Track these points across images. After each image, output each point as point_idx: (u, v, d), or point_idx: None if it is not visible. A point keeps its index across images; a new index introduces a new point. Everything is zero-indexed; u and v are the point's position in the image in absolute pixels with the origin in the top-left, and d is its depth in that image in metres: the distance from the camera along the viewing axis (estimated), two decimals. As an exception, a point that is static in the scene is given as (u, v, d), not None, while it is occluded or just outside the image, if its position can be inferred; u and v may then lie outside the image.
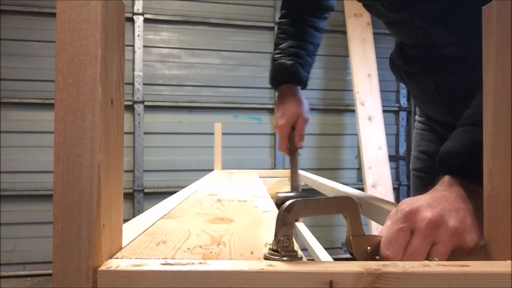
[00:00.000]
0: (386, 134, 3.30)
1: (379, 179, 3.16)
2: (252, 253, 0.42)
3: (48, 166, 3.03)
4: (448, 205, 0.43)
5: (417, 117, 1.03)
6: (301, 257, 0.38)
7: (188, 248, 0.43)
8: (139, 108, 3.24)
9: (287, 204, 0.38)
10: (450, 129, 0.57)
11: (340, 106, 3.61)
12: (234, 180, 1.33)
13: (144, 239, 0.47)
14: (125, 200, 3.08)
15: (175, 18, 3.34)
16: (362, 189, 3.02)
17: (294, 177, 1.19)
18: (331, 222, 3.48)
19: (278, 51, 1.08)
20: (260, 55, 3.46)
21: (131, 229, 0.52)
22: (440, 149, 0.52)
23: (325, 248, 1.55)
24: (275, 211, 0.70)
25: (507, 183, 0.39)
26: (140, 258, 0.38)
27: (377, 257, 0.42)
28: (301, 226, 1.75)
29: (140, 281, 0.33)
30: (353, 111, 3.38)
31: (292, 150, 1.13)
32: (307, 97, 1.10)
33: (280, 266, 0.34)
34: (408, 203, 0.43)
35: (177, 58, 3.37)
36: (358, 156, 3.51)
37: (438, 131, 0.94)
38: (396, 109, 3.74)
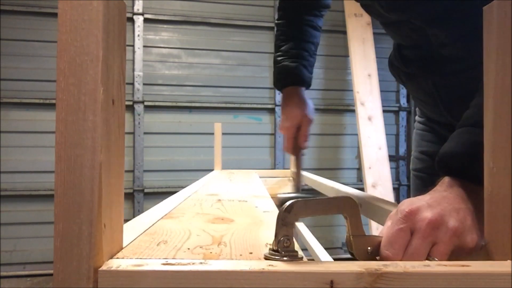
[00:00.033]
0: (386, 134, 3.30)
1: (379, 179, 3.16)
2: (252, 253, 0.42)
3: (48, 166, 3.03)
4: (448, 206, 0.43)
5: (417, 118, 1.04)
6: (302, 257, 0.38)
7: (189, 248, 0.43)
8: (139, 108, 3.24)
9: (287, 205, 0.38)
10: (450, 129, 0.57)
11: (340, 106, 3.61)
12: (234, 180, 1.33)
13: (144, 239, 0.47)
14: (125, 200, 3.07)
15: (175, 18, 3.34)
16: (362, 189, 3.02)
17: (297, 178, 1.20)
18: (331, 222, 3.49)
19: (280, 53, 1.09)
20: (260, 55, 3.46)
21: (131, 229, 0.52)
22: (440, 150, 0.52)
23: (325, 248, 1.55)
24: (275, 211, 0.70)
25: (507, 183, 0.39)
26: (140, 258, 0.38)
27: (377, 258, 0.42)
28: (301, 226, 1.75)
29: (141, 281, 0.33)
30: (353, 111, 3.38)
31: (297, 151, 1.15)
32: (308, 96, 1.11)
33: (280, 266, 0.35)
34: (408, 203, 0.43)
35: (177, 58, 3.37)
36: (358, 156, 3.51)
37: (438, 131, 0.94)
38: (396, 109, 3.74)
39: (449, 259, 0.41)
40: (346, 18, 3.40)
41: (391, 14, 0.78)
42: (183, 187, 1.08)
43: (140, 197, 3.23)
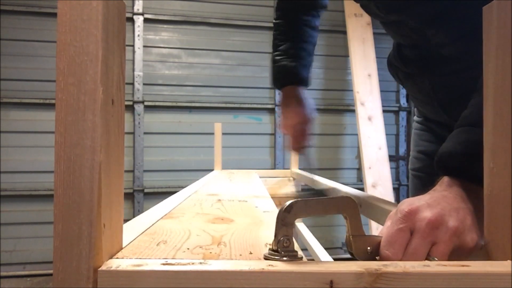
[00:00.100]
0: (386, 134, 3.30)
1: (379, 179, 3.16)
2: (252, 253, 0.42)
3: (48, 166, 3.03)
4: (447, 205, 0.43)
5: (415, 118, 1.04)
6: (301, 257, 0.38)
7: (188, 248, 0.43)
8: (139, 108, 3.24)
9: (286, 205, 0.38)
10: (448, 129, 0.57)
11: (340, 106, 3.61)
12: (234, 180, 1.33)
13: (144, 239, 0.47)
14: (125, 200, 3.07)
15: (175, 18, 3.34)
16: (362, 189, 3.02)
17: (308, 156, 1.19)
18: (331, 222, 3.49)
19: (278, 52, 1.10)
20: (260, 55, 3.46)
21: (131, 229, 0.52)
22: (439, 150, 0.52)
23: (325, 248, 1.56)
24: (275, 211, 0.70)
25: (507, 183, 0.39)
26: (140, 258, 0.38)
27: (377, 257, 0.42)
28: (301, 226, 1.75)
29: (141, 281, 0.33)
30: (353, 111, 3.38)
31: (300, 149, 1.14)
32: (308, 95, 1.11)
33: (280, 266, 0.34)
34: (408, 203, 0.43)
35: (177, 58, 3.37)
36: (358, 156, 3.51)
37: (436, 131, 0.94)
38: (396, 109, 3.74)
39: (449, 259, 0.41)
40: (346, 18, 3.40)
41: (389, 14, 0.78)
42: (183, 187, 1.08)
43: (140, 197, 3.23)
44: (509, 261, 0.37)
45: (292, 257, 0.37)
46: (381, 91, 3.33)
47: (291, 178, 1.76)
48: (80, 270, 0.33)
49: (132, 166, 3.23)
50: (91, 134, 0.34)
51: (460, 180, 0.48)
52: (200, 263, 0.34)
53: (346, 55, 3.53)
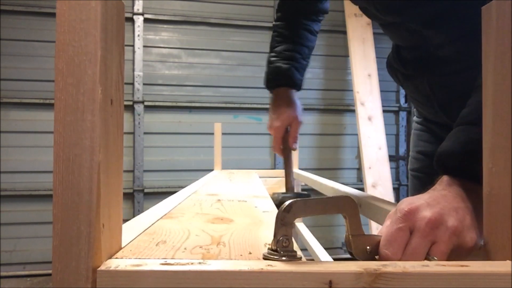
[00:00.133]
0: (386, 134, 3.30)
1: (379, 179, 3.16)
2: (251, 253, 0.42)
3: (48, 166, 3.03)
4: (447, 205, 0.43)
5: (414, 118, 1.05)
6: (301, 257, 0.38)
7: (188, 248, 0.43)
8: (139, 108, 3.24)
9: (286, 204, 0.38)
10: (447, 129, 0.57)
11: (340, 106, 3.61)
12: (234, 180, 1.33)
13: (143, 239, 0.47)
14: (125, 200, 3.08)
15: (175, 18, 3.34)
16: (362, 189, 3.02)
17: (288, 178, 1.21)
18: (331, 222, 3.49)
19: (273, 54, 1.10)
20: (260, 55, 3.46)
21: (130, 229, 0.52)
22: (438, 150, 0.52)
23: (325, 248, 1.56)
24: (274, 211, 0.70)
25: (507, 183, 0.39)
26: (139, 258, 0.38)
27: (376, 257, 0.42)
28: (301, 226, 1.75)
29: (140, 281, 0.33)
30: (353, 111, 3.38)
31: (286, 152, 1.15)
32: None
33: (279, 266, 0.34)
34: (408, 202, 0.43)
35: (177, 58, 3.37)
36: (358, 156, 3.51)
37: (435, 131, 0.95)
38: (396, 109, 3.74)
39: (448, 259, 0.41)
40: (346, 18, 3.40)
41: (387, 16, 0.78)
42: (183, 187, 1.08)
43: (140, 197, 3.23)
44: (508, 261, 0.37)
45: (291, 257, 0.37)
46: (381, 91, 3.33)
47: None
48: (79, 270, 0.33)
49: (132, 166, 3.23)
50: (90, 134, 0.33)
51: (459, 179, 0.48)
52: (200, 263, 0.34)
53: (346, 55, 3.53)
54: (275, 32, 1.14)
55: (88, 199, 0.33)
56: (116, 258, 0.38)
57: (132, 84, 3.23)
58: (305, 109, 1.16)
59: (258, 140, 3.47)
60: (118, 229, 0.40)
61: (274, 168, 3.43)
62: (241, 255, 0.41)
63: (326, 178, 1.29)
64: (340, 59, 3.61)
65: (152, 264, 0.34)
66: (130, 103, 3.21)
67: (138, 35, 3.25)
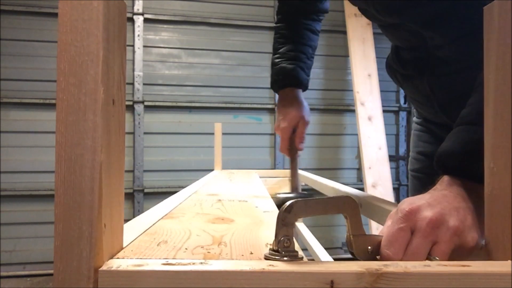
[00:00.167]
0: (386, 134, 3.30)
1: (379, 179, 3.16)
2: (252, 253, 0.42)
3: (48, 166, 3.03)
4: (448, 205, 0.43)
5: (414, 119, 1.05)
6: (302, 257, 0.38)
7: (189, 248, 0.43)
8: (139, 108, 3.24)
9: (287, 205, 0.38)
10: (447, 130, 0.57)
11: (340, 106, 3.61)
12: (234, 180, 1.33)
13: (145, 239, 0.47)
14: (125, 200, 3.07)
15: (175, 18, 3.34)
16: (362, 189, 3.02)
17: (294, 178, 1.20)
18: (331, 222, 3.49)
19: (278, 55, 1.10)
20: (260, 55, 3.46)
21: (132, 229, 0.52)
22: (438, 150, 0.52)
23: (325, 248, 1.55)
24: (275, 211, 0.70)
25: (508, 183, 0.39)
26: (141, 258, 0.38)
27: (377, 257, 0.42)
28: (301, 226, 1.75)
29: (141, 281, 0.33)
30: (353, 111, 3.38)
31: (293, 152, 1.15)
32: (307, 97, 1.12)
33: (281, 266, 0.34)
34: (409, 202, 0.43)
35: (177, 58, 3.37)
36: (358, 156, 3.51)
37: (435, 132, 0.95)
38: (396, 109, 3.74)
39: (449, 259, 0.41)
40: (346, 18, 3.40)
41: (386, 17, 0.78)
42: (183, 187, 1.08)
43: (140, 197, 3.23)
44: (509, 261, 0.37)
45: (293, 257, 0.37)
46: (381, 91, 3.33)
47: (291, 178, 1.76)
48: (81, 270, 0.33)
49: (132, 166, 3.23)
50: (92, 134, 0.34)
51: (460, 179, 0.48)
52: (201, 263, 0.34)
53: (346, 55, 3.53)
54: (277, 34, 1.14)
55: (89, 199, 0.33)
56: (118, 258, 0.38)
57: (132, 84, 3.23)
58: (306, 109, 1.15)
59: (258, 140, 3.47)
60: (120, 229, 0.40)
61: (274, 168, 3.43)
62: (242, 255, 0.41)
63: (326, 178, 1.29)
64: (340, 59, 3.61)
65: (154, 264, 0.34)
66: (130, 103, 3.21)
67: (138, 35, 3.25)
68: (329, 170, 3.52)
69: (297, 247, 0.39)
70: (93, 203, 0.33)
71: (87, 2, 0.34)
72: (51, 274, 2.83)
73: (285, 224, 0.38)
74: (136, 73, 3.23)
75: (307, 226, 1.78)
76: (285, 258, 0.37)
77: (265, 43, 3.45)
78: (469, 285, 0.33)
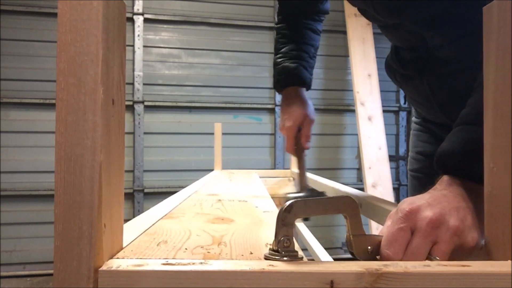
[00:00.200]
0: (386, 134, 3.30)
1: (379, 179, 3.16)
2: (252, 253, 0.42)
3: (48, 166, 3.03)
4: (448, 204, 0.43)
5: (413, 119, 1.04)
6: (302, 257, 0.38)
7: (189, 248, 0.43)
8: (139, 108, 3.24)
9: (286, 205, 0.38)
10: (446, 129, 0.57)
11: (340, 106, 3.61)
12: (234, 180, 1.33)
13: (144, 239, 0.47)
14: (125, 200, 3.06)
15: (175, 18, 3.34)
16: (362, 189, 3.02)
17: (302, 178, 1.18)
18: (331, 222, 3.49)
19: (280, 55, 1.08)
20: (260, 55, 3.46)
21: (131, 229, 0.52)
22: (438, 150, 0.52)
23: (325, 248, 1.56)
24: (275, 211, 0.70)
25: (508, 183, 0.39)
26: (141, 258, 0.38)
27: (377, 257, 0.42)
28: (301, 226, 1.75)
29: (141, 281, 0.33)
30: (353, 111, 3.38)
31: (299, 151, 1.12)
32: (308, 97, 1.10)
33: (281, 266, 0.34)
34: (408, 202, 0.43)
35: (177, 58, 3.37)
36: (358, 156, 3.51)
37: (434, 132, 0.95)
38: (396, 109, 3.74)
39: (449, 259, 0.41)
40: (346, 18, 3.40)
41: (386, 18, 0.78)
42: (183, 187, 1.08)
43: (140, 197, 3.23)
44: (509, 261, 0.37)
45: (293, 257, 0.37)
46: (381, 91, 3.33)
47: (291, 178, 1.76)
48: (81, 270, 0.33)
49: (132, 166, 3.23)
50: (92, 134, 0.34)
51: (459, 178, 0.48)
52: (201, 263, 0.34)
53: (346, 55, 3.53)
54: (278, 34, 1.13)
55: (89, 199, 0.33)
56: (118, 258, 0.38)
57: (132, 84, 3.23)
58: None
59: (258, 140, 3.47)
60: (120, 229, 0.40)
61: (274, 168, 3.43)
62: (242, 255, 0.41)
63: (326, 178, 1.29)
64: (340, 59, 3.61)
65: (154, 264, 0.34)
66: (130, 103, 3.21)
67: (138, 35, 3.25)
68: (329, 170, 3.52)
69: (297, 247, 0.39)
70: (93, 203, 0.33)
71: (87, 2, 0.34)
72: (51, 274, 2.83)
73: (285, 224, 0.38)
74: (136, 73, 3.23)
75: (307, 226, 1.78)
76: (285, 258, 0.37)
77: (265, 43, 3.45)
78: (469, 285, 0.33)
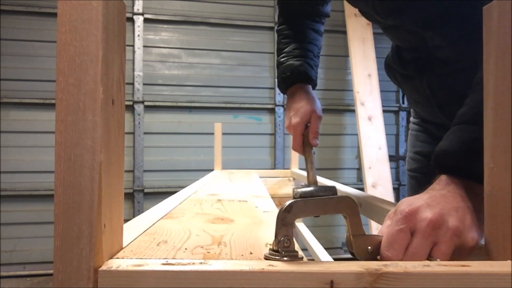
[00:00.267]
0: (386, 134, 3.30)
1: (379, 179, 3.16)
2: (252, 253, 0.42)
3: (48, 166, 3.03)
4: (447, 205, 0.43)
5: (411, 119, 1.04)
6: (302, 257, 0.38)
7: (188, 248, 0.43)
8: (139, 108, 3.24)
9: (286, 204, 0.38)
10: (444, 129, 0.57)
11: (340, 106, 3.61)
12: (234, 180, 1.33)
13: (144, 239, 0.47)
14: (125, 200, 3.06)
15: (175, 18, 3.34)
16: (362, 189, 3.02)
17: (311, 173, 1.14)
18: (331, 222, 3.48)
19: (283, 54, 1.05)
20: (260, 55, 3.46)
21: (131, 229, 0.52)
22: (435, 149, 0.52)
23: (325, 248, 1.56)
24: (275, 211, 0.70)
25: (508, 183, 0.39)
26: (140, 258, 0.38)
27: (378, 257, 0.42)
28: (301, 226, 1.75)
29: (141, 281, 0.33)
30: (353, 111, 3.38)
31: (307, 149, 1.09)
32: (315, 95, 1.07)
33: (280, 266, 0.34)
34: (407, 203, 0.43)
35: (177, 58, 3.37)
36: (358, 156, 3.51)
37: (432, 132, 0.95)
38: (396, 109, 3.74)
39: (449, 259, 0.41)
40: (346, 18, 3.40)
41: (386, 19, 0.78)
42: (183, 187, 1.08)
43: (140, 197, 3.23)
44: (509, 261, 0.37)
45: (293, 257, 0.37)
46: (381, 91, 3.33)
47: (291, 178, 1.76)
48: (81, 270, 0.33)
49: (132, 166, 3.23)
50: (91, 134, 0.33)
51: (457, 178, 0.48)
52: (201, 263, 0.34)
53: (346, 55, 3.53)
54: (280, 35, 1.10)
55: (89, 199, 0.33)
56: (117, 258, 0.38)
57: (132, 84, 3.23)
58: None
59: (258, 140, 3.47)
60: (119, 229, 0.40)
61: (274, 168, 3.43)
62: (242, 255, 0.41)
63: (326, 178, 1.29)
64: (340, 59, 3.61)
65: (153, 264, 0.34)
66: (130, 103, 3.21)
67: (138, 35, 3.25)
68: (329, 170, 3.52)
69: (297, 247, 0.39)
70: (92, 203, 0.33)
71: (87, 2, 0.33)
72: (51, 274, 2.83)
73: (285, 224, 0.38)
74: (136, 73, 3.23)
75: (307, 226, 1.78)
76: (285, 258, 0.37)
77: (265, 43, 3.45)
78: (469, 285, 0.33)
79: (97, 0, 0.33)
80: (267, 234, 0.51)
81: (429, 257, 0.40)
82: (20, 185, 3.04)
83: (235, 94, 3.44)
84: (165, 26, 3.34)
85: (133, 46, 3.22)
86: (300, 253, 0.39)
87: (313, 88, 1.05)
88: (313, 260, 0.62)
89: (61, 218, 0.33)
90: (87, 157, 0.33)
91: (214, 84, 3.42)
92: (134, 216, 1.52)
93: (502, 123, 0.40)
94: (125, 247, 0.42)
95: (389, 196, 3.12)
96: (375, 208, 0.71)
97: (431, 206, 0.43)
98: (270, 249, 0.39)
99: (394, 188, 3.34)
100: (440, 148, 0.51)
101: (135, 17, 3.24)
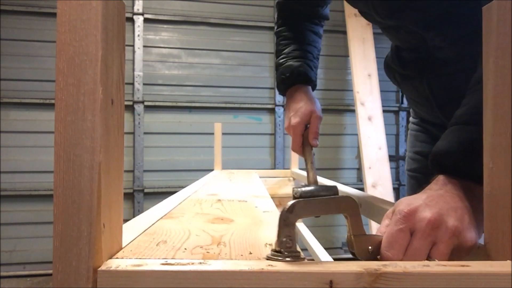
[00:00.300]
0: (386, 134, 3.30)
1: (379, 179, 3.16)
2: (252, 253, 0.42)
3: (48, 166, 3.03)
4: (445, 205, 0.43)
5: (411, 119, 1.04)
6: (304, 258, 0.38)
7: (188, 248, 0.43)
8: (139, 108, 3.24)
9: (288, 205, 0.38)
10: (443, 130, 0.57)
11: (340, 106, 3.61)
12: (234, 180, 1.33)
13: (144, 239, 0.47)
14: (125, 200, 3.08)
15: (175, 18, 3.34)
16: (362, 189, 3.02)
17: (311, 173, 1.14)
18: (331, 222, 3.48)
19: (282, 55, 1.04)
20: (260, 55, 3.46)
21: (131, 229, 0.52)
22: (433, 149, 0.52)
23: (325, 248, 1.56)
24: (275, 211, 0.70)
25: (507, 183, 0.39)
26: (140, 258, 0.38)
27: (378, 257, 0.42)
28: (301, 226, 1.76)
29: (140, 281, 0.33)
30: (353, 111, 3.38)
31: (307, 149, 1.08)
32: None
33: (280, 266, 0.34)
34: (406, 203, 0.43)
35: (177, 58, 3.37)
36: (358, 156, 3.51)
37: (431, 132, 0.95)
38: (396, 109, 3.74)
39: (448, 259, 0.41)
40: (346, 18, 3.40)
41: (387, 20, 0.78)
42: (183, 187, 1.08)
43: (140, 197, 3.23)
44: (509, 261, 0.37)
45: (295, 257, 0.37)
46: (381, 91, 3.33)
47: (291, 178, 1.76)
48: (80, 270, 0.33)
49: (132, 166, 3.23)
50: (91, 134, 0.33)
51: (455, 178, 0.48)
52: (200, 263, 0.34)
53: (346, 55, 3.53)
54: (279, 37, 1.09)
55: (88, 199, 0.33)
56: (117, 258, 0.38)
57: (132, 84, 3.23)
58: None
59: (258, 140, 3.47)
60: (119, 229, 0.40)
61: (274, 168, 3.43)
62: (241, 255, 0.41)
63: (326, 178, 1.29)
64: (340, 59, 3.61)
65: (153, 264, 0.34)
66: (130, 103, 3.21)
67: (138, 35, 3.25)
68: (329, 170, 3.52)
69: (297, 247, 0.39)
70: (92, 203, 0.33)
71: (86, 2, 0.33)
72: (51, 274, 2.82)
73: (287, 224, 0.38)
74: (136, 73, 3.23)
75: (307, 226, 1.78)
76: (287, 259, 0.37)
77: (265, 43, 3.45)
78: (468, 285, 0.33)
79: (97, 0, 0.33)
80: (267, 234, 0.51)
81: (428, 257, 0.40)
82: (20, 185, 3.04)
83: (235, 94, 3.44)
84: (165, 26, 3.34)
85: (133, 46, 3.22)
86: (301, 253, 0.39)
87: (313, 89, 1.05)
88: (313, 260, 0.62)
89: (61, 218, 0.33)
90: (86, 157, 0.33)
91: (214, 84, 3.42)
92: (134, 216, 1.53)
93: (501, 123, 0.40)
94: (124, 247, 0.42)
95: (389, 196, 3.12)
96: (375, 208, 0.71)
97: (429, 206, 0.43)
98: (272, 250, 0.38)
99: (394, 188, 3.34)
100: (437, 148, 0.51)
101: (135, 17, 3.24)
